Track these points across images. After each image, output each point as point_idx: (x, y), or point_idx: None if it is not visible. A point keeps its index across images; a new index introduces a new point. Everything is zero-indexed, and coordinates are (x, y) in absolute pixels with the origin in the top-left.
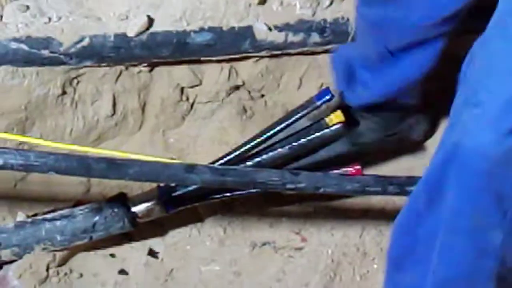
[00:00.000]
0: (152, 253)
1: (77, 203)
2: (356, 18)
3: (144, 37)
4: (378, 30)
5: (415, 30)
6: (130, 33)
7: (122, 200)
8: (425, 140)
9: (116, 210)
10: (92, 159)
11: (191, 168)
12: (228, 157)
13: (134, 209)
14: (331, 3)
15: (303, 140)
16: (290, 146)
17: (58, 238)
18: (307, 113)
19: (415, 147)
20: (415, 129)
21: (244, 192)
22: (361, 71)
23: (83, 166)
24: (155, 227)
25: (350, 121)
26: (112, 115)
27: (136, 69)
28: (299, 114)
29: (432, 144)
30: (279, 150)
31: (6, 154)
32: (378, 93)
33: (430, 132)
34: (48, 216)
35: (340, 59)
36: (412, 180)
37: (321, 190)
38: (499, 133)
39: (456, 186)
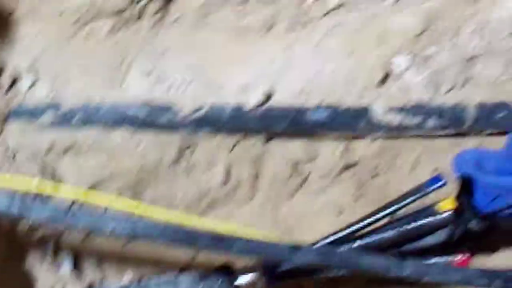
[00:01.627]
0: None
1: (184, 267)
2: None
3: (261, 110)
4: None
5: None
6: (248, 106)
7: (227, 272)
8: None
9: (220, 281)
10: (198, 232)
11: (295, 249)
12: (335, 237)
13: (238, 281)
14: (450, 89)
15: (411, 225)
16: (397, 231)
17: None
18: (417, 198)
19: None
20: None
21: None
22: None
23: (189, 237)
24: None
25: (462, 209)
26: (224, 184)
27: (251, 140)
28: (409, 200)
29: None
30: (386, 234)
31: (115, 221)
32: None
33: None
34: (153, 281)
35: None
36: None
37: (425, 278)
38: None
39: None
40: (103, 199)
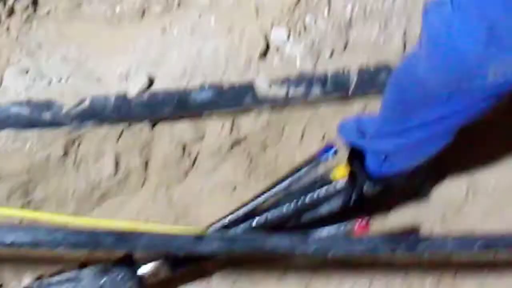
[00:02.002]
0: None
1: (83, 263)
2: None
3: (145, 96)
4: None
5: None
6: (131, 93)
7: (128, 262)
8: (429, 191)
9: (123, 272)
10: (101, 233)
11: (200, 238)
12: (234, 216)
13: (141, 270)
14: (331, 55)
15: (308, 197)
16: (295, 203)
17: None
18: (311, 169)
19: (419, 196)
20: (421, 183)
21: None
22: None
23: (93, 240)
24: (161, 285)
25: (355, 175)
26: (115, 174)
27: (138, 127)
28: (303, 170)
29: (437, 195)
30: (284, 207)
31: (14, 232)
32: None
33: (434, 183)
34: (54, 279)
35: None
36: (419, 239)
37: (330, 253)
38: None
39: None
40: None
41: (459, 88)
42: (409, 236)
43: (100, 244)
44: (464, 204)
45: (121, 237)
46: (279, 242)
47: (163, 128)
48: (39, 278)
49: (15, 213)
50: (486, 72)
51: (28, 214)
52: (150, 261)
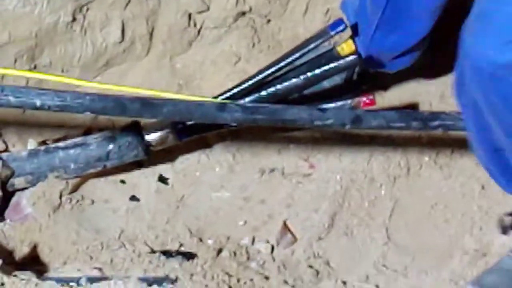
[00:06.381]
0: (162, 179)
1: (87, 129)
2: None
3: None
4: None
5: None
6: None
7: (135, 129)
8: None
9: (130, 139)
10: (127, 99)
11: (222, 107)
12: (239, 88)
13: (147, 137)
14: None
15: (314, 70)
16: (304, 76)
17: (72, 166)
18: (321, 43)
19: (419, 73)
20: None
21: None
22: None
23: (119, 106)
24: (164, 154)
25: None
26: (121, 41)
27: None
28: (314, 44)
29: (436, 74)
30: (293, 80)
31: (43, 96)
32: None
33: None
34: (62, 144)
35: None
36: (434, 116)
37: (347, 126)
38: (502, 42)
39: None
40: None
41: None
42: (424, 112)
43: (126, 110)
44: None
45: (146, 103)
46: (299, 114)
47: None
48: (43, 142)
49: (23, 74)
50: None
51: (37, 76)
52: (157, 129)
